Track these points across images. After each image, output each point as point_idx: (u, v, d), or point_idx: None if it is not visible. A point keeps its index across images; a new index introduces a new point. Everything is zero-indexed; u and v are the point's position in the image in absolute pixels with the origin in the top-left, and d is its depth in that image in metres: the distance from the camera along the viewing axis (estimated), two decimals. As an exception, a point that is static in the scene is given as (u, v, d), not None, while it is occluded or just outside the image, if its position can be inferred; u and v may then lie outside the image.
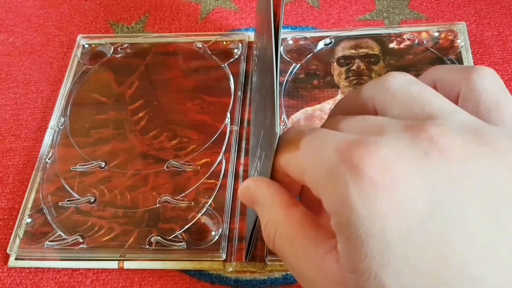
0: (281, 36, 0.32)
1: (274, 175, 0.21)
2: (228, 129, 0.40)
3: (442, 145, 0.17)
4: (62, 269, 0.35)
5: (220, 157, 0.38)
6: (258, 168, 0.25)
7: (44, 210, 0.37)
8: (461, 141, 0.17)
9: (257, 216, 0.23)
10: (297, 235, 0.19)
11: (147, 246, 0.35)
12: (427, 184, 0.16)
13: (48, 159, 0.40)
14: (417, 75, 0.40)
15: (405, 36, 0.43)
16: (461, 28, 0.43)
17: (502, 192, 0.16)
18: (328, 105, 0.40)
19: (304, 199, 0.23)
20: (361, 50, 0.43)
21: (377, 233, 0.16)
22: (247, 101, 0.42)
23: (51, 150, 0.40)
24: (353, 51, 0.43)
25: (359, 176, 0.16)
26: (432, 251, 0.15)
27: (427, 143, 0.17)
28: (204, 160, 0.39)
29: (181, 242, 0.35)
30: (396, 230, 0.16)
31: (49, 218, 0.37)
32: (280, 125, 0.19)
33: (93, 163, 0.39)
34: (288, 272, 0.34)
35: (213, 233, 0.35)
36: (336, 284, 0.17)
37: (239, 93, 0.42)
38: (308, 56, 0.43)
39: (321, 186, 0.18)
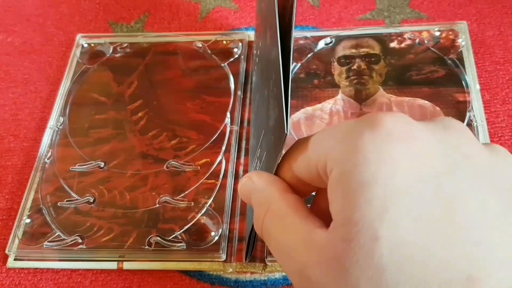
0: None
1: (283, 178, 0.21)
2: (228, 129, 0.40)
3: (461, 126, 0.17)
4: (61, 269, 0.35)
5: (220, 157, 0.38)
6: (258, 168, 0.25)
7: (43, 211, 0.37)
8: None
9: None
10: (289, 212, 0.18)
11: (147, 247, 0.35)
12: (444, 148, 0.16)
13: (47, 159, 0.40)
14: (418, 74, 0.40)
15: (406, 36, 0.43)
16: (462, 27, 0.43)
17: (510, 183, 0.16)
18: (328, 105, 0.40)
19: (314, 206, 0.22)
20: (361, 50, 0.43)
21: (383, 179, 0.15)
22: (247, 100, 0.42)
23: (50, 150, 0.40)
24: (353, 50, 0.43)
25: (376, 126, 0.16)
26: (440, 207, 0.14)
27: (447, 122, 0.17)
28: (204, 160, 0.38)
29: (181, 242, 0.35)
30: (404, 179, 0.15)
31: (48, 218, 0.36)
32: (289, 126, 0.19)
33: (92, 163, 0.39)
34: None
35: (213, 233, 0.35)
36: (321, 249, 0.16)
37: (239, 92, 0.42)
38: (309, 55, 0.43)
39: (330, 148, 0.17)
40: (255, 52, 0.42)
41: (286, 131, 0.19)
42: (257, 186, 0.21)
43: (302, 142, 0.20)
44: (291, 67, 0.41)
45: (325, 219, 0.17)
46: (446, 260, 0.14)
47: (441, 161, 0.15)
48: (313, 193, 0.22)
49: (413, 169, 0.15)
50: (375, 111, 0.17)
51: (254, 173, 0.22)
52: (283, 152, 0.20)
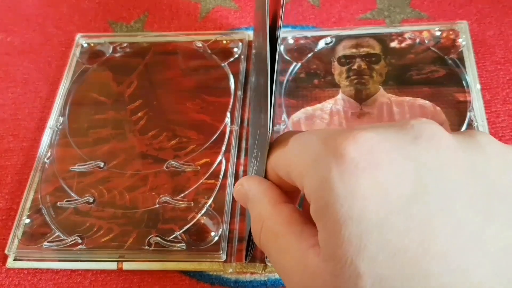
0: (282, 35, 0.31)
1: (268, 177, 0.21)
2: (228, 129, 0.40)
3: (433, 132, 0.16)
4: (61, 270, 0.35)
5: (220, 157, 0.38)
6: (255, 168, 0.25)
7: (43, 211, 0.37)
8: (450, 134, 0.17)
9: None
10: (282, 230, 0.18)
11: (147, 247, 0.35)
12: (413, 167, 0.15)
13: (47, 159, 0.39)
14: (418, 74, 0.40)
15: (406, 35, 0.43)
16: (462, 27, 0.43)
17: (491, 185, 0.15)
18: (328, 105, 0.40)
19: (304, 208, 0.23)
20: (362, 49, 0.43)
21: (356, 216, 0.15)
22: (247, 100, 0.42)
23: (50, 150, 0.40)
24: (354, 50, 0.43)
25: (341, 157, 0.16)
26: (412, 237, 0.14)
27: (417, 129, 0.16)
28: (204, 160, 0.38)
29: (181, 242, 0.35)
30: (375, 213, 0.15)
31: (47, 218, 0.36)
32: (272, 125, 0.19)
33: (92, 163, 0.39)
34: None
35: (213, 233, 0.35)
36: (313, 276, 0.16)
37: (239, 92, 0.42)
38: (309, 55, 0.43)
39: (304, 174, 0.17)
40: (253, 51, 0.42)
41: (269, 130, 0.19)
42: (249, 194, 0.21)
43: (280, 146, 0.20)
44: (291, 67, 0.41)
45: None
46: None
47: (410, 185, 0.15)
48: None
49: (383, 201, 0.15)
50: (342, 133, 0.16)
51: (245, 179, 0.22)
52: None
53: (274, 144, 0.20)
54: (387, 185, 0.15)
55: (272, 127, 0.19)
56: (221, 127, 0.40)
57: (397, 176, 0.15)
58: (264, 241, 0.19)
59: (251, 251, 0.33)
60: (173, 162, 0.38)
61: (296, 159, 0.18)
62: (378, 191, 0.15)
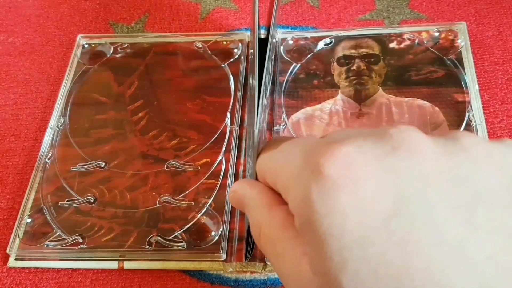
0: (281, 36, 0.31)
1: (258, 178, 0.21)
2: (228, 129, 0.40)
3: (412, 140, 0.16)
4: (62, 269, 0.35)
5: (220, 157, 0.38)
6: (250, 168, 0.25)
7: (44, 210, 0.37)
8: (431, 139, 0.16)
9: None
10: (278, 236, 0.19)
11: (147, 246, 0.35)
12: (393, 179, 0.15)
13: (48, 159, 0.40)
14: (417, 75, 0.41)
15: (405, 36, 0.43)
16: (461, 28, 0.43)
17: (476, 190, 0.15)
18: (328, 105, 0.40)
19: None
20: (361, 50, 0.43)
21: (336, 233, 0.15)
22: (247, 101, 0.42)
23: (51, 150, 0.40)
24: (353, 51, 0.43)
25: (319, 175, 0.15)
26: (394, 253, 0.14)
27: (396, 139, 0.16)
28: (204, 160, 0.39)
29: (181, 242, 0.35)
30: (356, 229, 0.15)
31: (49, 218, 0.37)
32: (258, 125, 0.19)
33: (93, 163, 0.39)
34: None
35: (213, 233, 0.35)
36: (306, 285, 0.16)
37: (239, 93, 0.42)
38: (308, 56, 0.43)
39: (288, 189, 0.17)
40: (250, 51, 0.43)
41: (255, 129, 0.19)
42: (244, 200, 0.21)
43: (268, 147, 0.20)
44: (290, 67, 0.41)
45: None
46: None
47: (390, 199, 0.15)
48: None
49: (363, 217, 0.15)
50: (321, 149, 0.16)
51: (237, 184, 0.22)
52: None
53: (264, 148, 0.20)
54: (367, 201, 0.15)
55: (259, 126, 0.19)
56: (221, 127, 0.40)
57: (376, 191, 0.15)
58: (263, 245, 0.20)
59: (250, 250, 0.33)
60: (173, 162, 0.39)
61: (281, 172, 0.18)
62: (357, 208, 0.15)
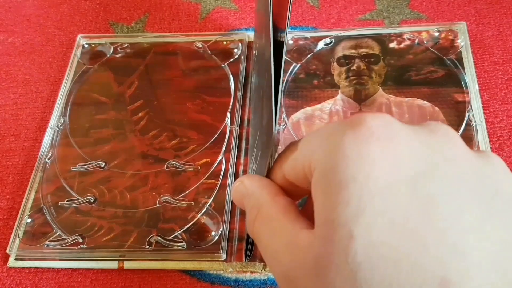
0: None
1: (272, 178, 0.21)
2: (228, 129, 0.40)
3: (448, 130, 0.17)
4: (62, 269, 0.35)
5: (220, 157, 0.38)
6: (254, 168, 0.25)
7: (44, 210, 0.37)
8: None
9: None
10: (278, 215, 0.18)
11: (147, 246, 0.35)
12: (426, 150, 0.15)
13: (48, 159, 0.40)
14: (417, 75, 0.41)
15: (405, 36, 0.43)
16: (461, 28, 0.43)
17: (496, 188, 0.16)
18: (328, 105, 0.40)
19: (305, 209, 0.22)
20: (361, 50, 0.43)
21: (361, 178, 0.15)
22: (247, 101, 0.42)
23: (51, 150, 0.40)
24: (353, 51, 0.43)
25: (358, 125, 0.16)
26: (415, 209, 0.14)
27: (434, 126, 0.17)
28: (204, 160, 0.39)
29: (181, 242, 0.35)
30: (382, 179, 0.15)
31: (49, 218, 0.37)
32: (277, 125, 0.19)
33: (93, 163, 0.39)
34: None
35: (213, 233, 0.35)
36: (303, 251, 0.16)
37: (239, 93, 0.42)
38: (308, 56, 0.43)
39: (315, 149, 0.17)
40: (254, 52, 0.42)
41: (274, 131, 0.19)
42: (249, 190, 0.21)
43: (293, 144, 0.20)
44: (290, 67, 0.41)
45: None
46: (419, 262, 0.14)
47: (421, 162, 0.15)
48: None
49: (392, 169, 0.15)
50: (361, 113, 0.16)
51: (246, 177, 0.22)
52: (270, 153, 0.20)
53: (286, 147, 0.20)
54: (399, 157, 0.15)
55: (276, 127, 0.19)
56: (221, 127, 0.40)
57: (410, 152, 0.15)
58: (259, 226, 0.19)
59: (250, 250, 0.33)
60: (173, 162, 0.39)
61: (308, 143, 0.18)
62: (389, 160, 0.15)
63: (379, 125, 0.16)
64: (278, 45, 0.22)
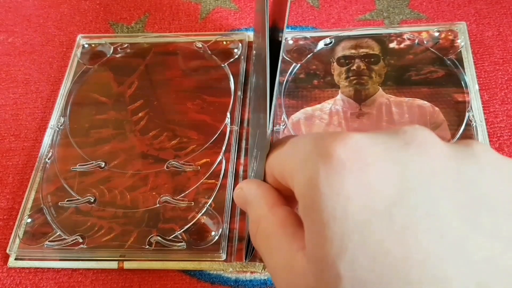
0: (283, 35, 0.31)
1: (266, 178, 0.21)
2: (228, 129, 0.40)
3: (425, 139, 0.16)
4: (62, 269, 0.35)
5: (220, 157, 0.38)
6: (254, 168, 0.25)
7: (44, 210, 0.37)
8: (443, 142, 0.16)
9: None
10: (276, 231, 0.19)
11: (147, 246, 0.35)
12: (399, 170, 0.15)
13: (48, 159, 0.40)
14: (417, 75, 0.41)
15: (405, 36, 0.43)
16: (461, 28, 0.43)
17: (482, 194, 0.15)
18: (328, 105, 0.40)
19: None
20: (361, 50, 0.43)
21: (339, 216, 0.15)
22: (247, 101, 0.42)
23: (51, 150, 0.40)
24: (353, 51, 0.43)
25: (329, 157, 0.16)
26: (393, 241, 0.14)
27: (409, 135, 0.16)
28: (204, 160, 0.39)
29: (181, 242, 0.35)
30: (358, 214, 0.15)
31: (49, 218, 0.37)
32: (271, 125, 0.19)
33: (93, 163, 0.39)
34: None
35: (213, 233, 0.35)
36: (298, 277, 0.16)
37: (239, 93, 0.42)
38: (308, 56, 0.43)
39: (294, 174, 0.17)
40: (254, 52, 0.42)
41: (268, 130, 0.19)
42: (248, 198, 0.21)
43: (278, 148, 0.20)
44: (290, 67, 0.41)
45: None
46: None
47: (395, 188, 0.15)
48: None
49: (366, 202, 0.15)
50: (332, 135, 0.16)
51: (244, 182, 0.22)
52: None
53: (273, 145, 0.20)
54: (372, 187, 0.15)
55: (272, 128, 0.19)
56: (221, 127, 0.40)
57: (383, 179, 0.15)
58: (259, 241, 0.20)
59: (251, 251, 0.33)
60: (173, 162, 0.39)
61: (288, 159, 0.18)
62: (362, 192, 0.15)
63: (349, 154, 0.15)
64: (276, 45, 0.22)
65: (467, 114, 0.38)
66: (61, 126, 0.42)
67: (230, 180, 0.37)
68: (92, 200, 0.37)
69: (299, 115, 0.40)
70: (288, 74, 0.42)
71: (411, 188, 0.15)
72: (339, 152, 0.15)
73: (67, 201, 0.37)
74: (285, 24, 0.22)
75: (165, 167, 0.39)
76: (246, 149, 0.39)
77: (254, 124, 0.31)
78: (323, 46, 0.44)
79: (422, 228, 0.14)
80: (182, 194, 0.37)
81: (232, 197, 0.37)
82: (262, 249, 0.19)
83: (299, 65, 0.43)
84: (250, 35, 0.46)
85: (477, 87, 0.40)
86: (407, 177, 0.15)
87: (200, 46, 0.45)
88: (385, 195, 0.15)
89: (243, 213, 0.36)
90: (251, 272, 0.34)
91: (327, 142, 0.16)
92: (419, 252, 0.14)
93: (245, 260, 0.34)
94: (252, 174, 0.26)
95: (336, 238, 0.15)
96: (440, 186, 0.15)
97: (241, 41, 0.45)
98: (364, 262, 0.14)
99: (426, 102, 0.39)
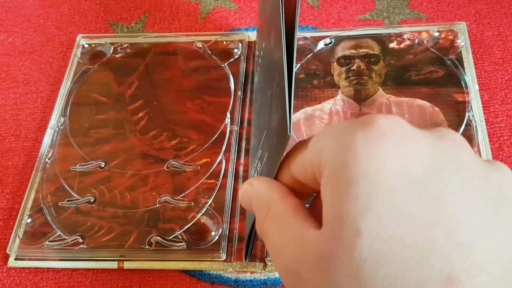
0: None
1: (281, 179, 0.21)
2: (228, 129, 0.40)
3: (458, 138, 0.17)
4: (62, 269, 0.35)
5: (220, 157, 0.38)
6: (258, 169, 0.25)
7: (44, 210, 0.37)
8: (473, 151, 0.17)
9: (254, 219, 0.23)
10: (287, 214, 0.19)
11: (147, 246, 0.35)
12: (435, 152, 0.16)
13: (48, 159, 0.40)
14: (417, 75, 0.41)
15: (405, 36, 0.43)
16: (461, 28, 0.43)
17: (504, 194, 0.16)
18: (328, 105, 0.40)
19: (311, 209, 0.23)
20: (361, 50, 0.43)
21: (371, 176, 0.15)
22: (247, 101, 0.42)
23: (51, 150, 0.40)
24: (353, 51, 0.43)
25: (369, 125, 0.16)
26: (423, 206, 0.14)
27: (444, 132, 0.17)
28: (204, 160, 0.39)
29: (181, 242, 0.35)
30: (392, 177, 0.15)
31: (49, 218, 0.37)
32: (291, 128, 0.19)
33: (93, 163, 0.39)
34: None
35: (213, 233, 0.35)
36: (309, 246, 0.16)
37: (239, 93, 0.42)
38: (308, 56, 0.43)
39: (324, 147, 0.17)
40: (257, 53, 0.42)
41: (288, 133, 0.19)
42: (258, 191, 0.21)
43: (302, 143, 0.20)
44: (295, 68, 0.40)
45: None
46: (426, 258, 0.14)
47: (430, 163, 0.15)
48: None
49: (401, 168, 0.15)
50: (372, 114, 0.17)
51: (255, 179, 0.22)
52: (284, 153, 0.20)
53: (295, 146, 0.20)
54: (409, 157, 0.15)
55: (291, 129, 0.19)
56: (221, 127, 0.40)
57: (420, 152, 0.16)
58: (267, 224, 0.19)
59: (251, 251, 0.33)
60: (173, 162, 0.39)
61: (317, 142, 0.18)
62: (399, 159, 0.15)
63: (390, 125, 0.16)
64: (289, 47, 0.22)
65: (467, 114, 0.38)
66: (61, 126, 0.42)
67: (230, 180, 0.37)
68: (92, 200, 0.37)
69: (299, 115, 0.40)
70: (288, 74, 0.42)
71: (444, 167, 0.15)
72: (380, 121, 0.16)
73: (67, 201, 0.37)
74: (297, 25, 0.22)
75: (165, 167, 0.39)
76: (246, 149, 0.39)
77: (260, 125, 0.31)
78: (323, 46, 0.44)
79: (451, 199, 0.15)
80: (182, 194, 0.37)
81: (233, 197, 0.37)
82: (271, 230, 0.19)
83: (299, 65, 0.43)
84: (250, 35, 0.46)
85: (477, 87, 0.40)
86: (441, 159, 0.16)
87: (200, 46, 0.45)
88: (421, 166, 0.15)
89: (243, 213, 0.36)
90: (251, 272, 0.34)
91: (367, 116, 0.16)
92: (447, 218, 0.14)
93: (245, 260, 0.34)
94: (255, 175, 0.26)
95: (363, 196, 0.15)
96: (469, 176, 0.16)
97: (241, 41, 0.45)
98: (388, 221, 0.14)
99: (426, 102, 0.39)
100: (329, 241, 0.15)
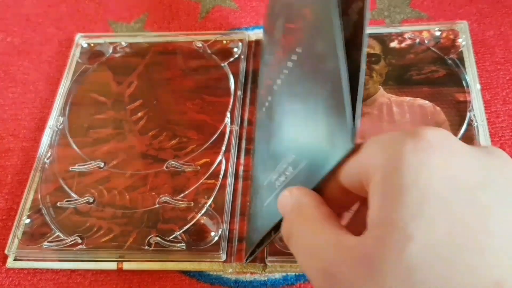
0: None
1: (325, 190, 0.21)
2: (228, 129, 0.40)
3: (504, 154, 0.17)
4: (61, 270, 0.35)
5: (220, 157, 0.38)
6: (288, 173, 0.24)
7: (43, 211, 0.37)
8: None
9: (275, 224, 0.24)
10: (320, 218, 0.19)
11: (146, 247, 0.35)
12: (483, 166, 0.16)
13: (47, 159, 0.39)
14: (418, 74, 0.40)
15: (406, 35, 0.43)
16: (462, 27, 0.43)
17: None
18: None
19: (354, 217, 0.23)
20: (362, 50, 0.43)
21: (421, 185, 0.15)
22: (247, 100, 0.42)
23: (50, 150, 0.40)
24: (354, 50, 0.43)
25: (418, 136, 0.16)
26: (474, 216, 0.15)
27: (491, 148, 0.18)
28: (204, 160, 0.38)
29: (181, 242, 0.35)
30: (442, 186, 0.15)
31: (47, 218, 0.36)
32: (354, 137, 0.18)
33: (92, 163, 0.39)
34: (288, 273, 0.34)
35: (212, 233, 0.35)
36: (350, 248, 0.17)
37: (239, 92, 0.42)
38: (309, 55, 0.43)
39: (374, 154, 0.17)
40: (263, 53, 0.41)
41: (351, 143, 0.18)
42: (295, 197, 0.21)
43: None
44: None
45: (361, 230, 0.18)
46: (476, 264, 0.14)
47: (480, 176, 0.16)
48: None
49: (451, 178, 0.16)
50: (421, 127, 0.18)
51: (295, 187, 0.22)
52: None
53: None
54: (458, 168, 0.16)
55: (354, 140, 0.19)
56: (221, 127, 0.40)
57: (467, 164, 0.16)
58: (298, 224, 0.20)
59: (255, 255, 0.33)
60: (173, 162, 0.38)
61: (366, 150, 0.19)
62: (448, 170, 0.16)
63: (438, 138, 0.17)
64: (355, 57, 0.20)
65: (468, 114, 0.38)
66: (60, 126, 0.41)
67: (230, 180, 0.37)
68: (91, 201, 0.37)
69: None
70: (288, 73, 0.42)
71: (493, 181, 0.16)
72: (428, 133, 0.17)
73: (66, 201, 0.37)
74: (365, 20, 0.20)
75: (164, 167, 0.38)
76: (246, 149, 0.39)
77: (283, 128, 0.28)
78: (323, 45, 0.44)
79: (501, 211, 0.15)
80: (182, 195, 0.37)
81: (232, 198, 0.37)
82: (300, 231, 0.20)
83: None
84: (250, 34, 0.46)
85: (478, 86, 0.40)
86: (490, 172, 0.16)
87: (200, 45, 0.45)
88: (470, 177, 0.16)
89: (243, 214, 0.36)
90: (251, 273, 0.34)
91: (416, 128, 0.17)
92: (498, 228, 0.15)
93: (245, 261, 0.34)
94: (281, 178, 0.25)
95: (414, 202, 0.15)
96: None
97: (241, 40, 0.45)
98: (439, 227, 0.15)
99: (427, 101, 0.39)
100: (377, 245, 0.16)
